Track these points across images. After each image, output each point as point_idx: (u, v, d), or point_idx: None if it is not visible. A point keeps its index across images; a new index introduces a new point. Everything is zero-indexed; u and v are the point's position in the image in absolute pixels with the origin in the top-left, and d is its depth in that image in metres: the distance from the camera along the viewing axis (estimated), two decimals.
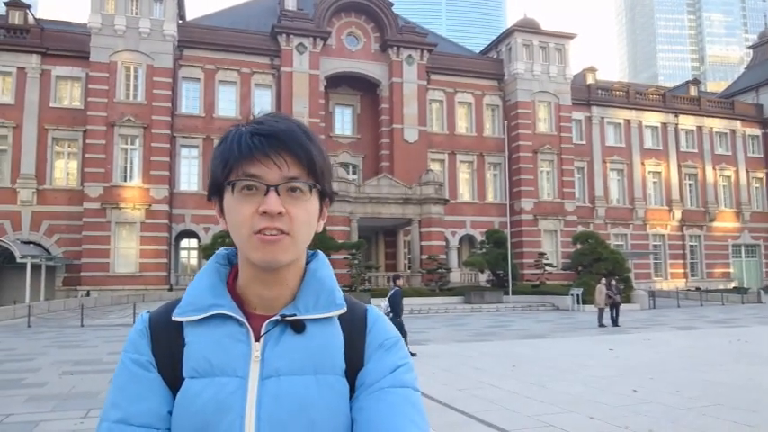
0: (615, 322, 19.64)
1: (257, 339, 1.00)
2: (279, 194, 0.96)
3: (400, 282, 12.91)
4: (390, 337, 1.07)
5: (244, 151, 0.96)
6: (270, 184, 0.96)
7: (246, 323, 1.00)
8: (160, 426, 0.97)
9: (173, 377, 0.99)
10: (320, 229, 1.07)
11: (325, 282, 1.07)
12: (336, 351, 1.02)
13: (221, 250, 1.13)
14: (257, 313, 1.03)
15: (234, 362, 0.97)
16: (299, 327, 1.01)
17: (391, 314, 12.13)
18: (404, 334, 12.23)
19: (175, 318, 1.02)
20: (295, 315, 1.01)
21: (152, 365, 1.00)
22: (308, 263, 1.09)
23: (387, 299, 12.31)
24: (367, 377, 1.02)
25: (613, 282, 21.33)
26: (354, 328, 1.06)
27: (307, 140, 0.99)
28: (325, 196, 1.04)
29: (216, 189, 1.02)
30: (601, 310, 19.89)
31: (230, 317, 1.00)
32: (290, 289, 1.04)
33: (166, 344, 1.01)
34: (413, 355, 11.94)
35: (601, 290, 20.46)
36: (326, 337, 1.02)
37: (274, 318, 1.01)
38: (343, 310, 1.05)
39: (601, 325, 19.14)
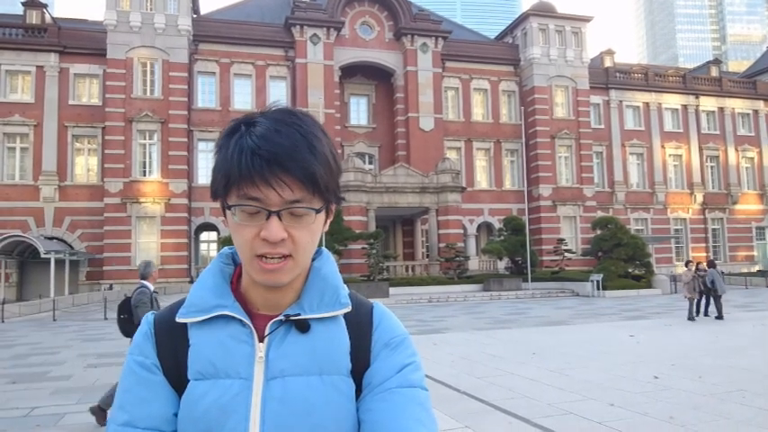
0: (706, 312, 16.92)
1: (261, 340, 0.98)
2: (281, 218, 0.93)
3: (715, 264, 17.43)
4: (396, 335, 1.06)
5: (244, 173, 0.91)
6: (271, 209, 0.92)
7: (250, 324, 0.99)
8: (166, 428, 0.97)
9: (178, 379, 0.99)
10: (326, 230, 1.05)
11: (329, 280, 1.05)
12: (342, 351, 1.01)
13: (225, 249, 1.11)
14: (261, 313, 1.02)
15: (237, 363, 0.96)
16: (303, 326, 1.00)
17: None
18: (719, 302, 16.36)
19: (179, 319, 1.01)
20: (299, 315, 1.00)
21: (157, 368, 1.00)
22: (312, 260, 1.06)
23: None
24: (373, 377, 1.00)
25: (701, 266, 17.67)
26: (360, 326, 1.05)
27: (310, 155, 0.93)
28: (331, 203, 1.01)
29: (217, 196, 0.99)
30: (691, 301, 16.46)
31: (234, 318, 0.99)
32: (295, 290, 1.03)
33: (171, 346, 1.01)
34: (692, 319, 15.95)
35: (683, 278, 17.20)
36: (332, 336, 1.01)
37: (278, 318, 1.00)
38: (348, 309, 1.04)
39: (690, 318, 16.13)
